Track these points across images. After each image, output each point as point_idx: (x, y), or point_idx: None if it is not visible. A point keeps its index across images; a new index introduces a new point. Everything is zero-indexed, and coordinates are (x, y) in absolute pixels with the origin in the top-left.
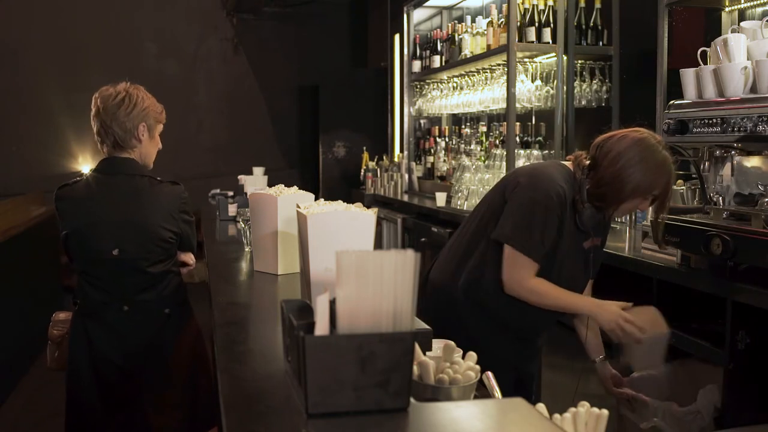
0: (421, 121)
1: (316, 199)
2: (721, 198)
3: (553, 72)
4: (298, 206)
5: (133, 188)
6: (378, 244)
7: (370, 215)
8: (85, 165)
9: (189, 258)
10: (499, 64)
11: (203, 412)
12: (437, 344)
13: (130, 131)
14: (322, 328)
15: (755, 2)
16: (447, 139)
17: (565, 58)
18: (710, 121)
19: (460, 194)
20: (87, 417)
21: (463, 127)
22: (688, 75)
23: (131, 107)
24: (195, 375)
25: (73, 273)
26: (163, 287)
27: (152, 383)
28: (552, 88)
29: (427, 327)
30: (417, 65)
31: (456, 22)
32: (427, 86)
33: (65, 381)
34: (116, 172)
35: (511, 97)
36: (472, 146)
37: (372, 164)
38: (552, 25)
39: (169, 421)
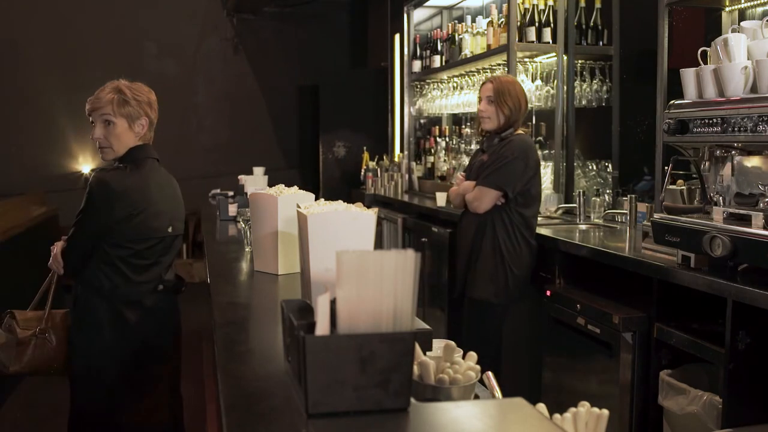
0: (421, 121)
1: (317, 199)
2: (721, 198)
3: (553, 72)
4: (299, 206)
5: (164, 172)
6: (378, 244)
7: (371, 215)
8: (86, 165)
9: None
10: (499, 64)
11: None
12: (437, 344)
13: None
14: (322, 328)
15: (755, 2)
16: (447, 139)
17: (565, 58)
18: (710, 121)
19: None
20: (90, 417)
21: (463, 127)
22: (688, 75)
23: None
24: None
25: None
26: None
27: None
28: (552, 88)
29: (427, 327)
30: (417, 65)
31: (456, 22)
32: (427, 86)
33: (71, 381)
34: (149, 156)
35: None
36: (473, 146)
37: (372, 164)
38: (552, 25)
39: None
